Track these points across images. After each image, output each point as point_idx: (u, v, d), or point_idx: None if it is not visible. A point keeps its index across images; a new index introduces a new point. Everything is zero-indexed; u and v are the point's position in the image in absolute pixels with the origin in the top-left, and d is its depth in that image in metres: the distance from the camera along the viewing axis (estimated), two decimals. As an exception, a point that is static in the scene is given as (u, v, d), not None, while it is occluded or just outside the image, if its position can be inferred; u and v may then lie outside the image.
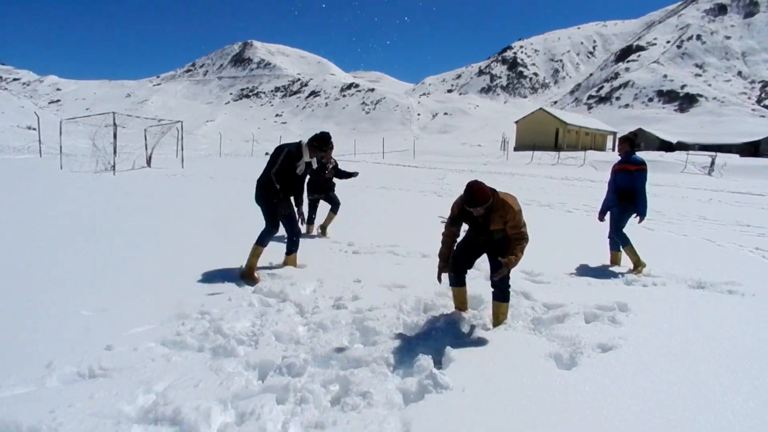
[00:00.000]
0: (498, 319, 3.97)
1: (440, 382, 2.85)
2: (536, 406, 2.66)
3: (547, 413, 2.59)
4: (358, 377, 2.94)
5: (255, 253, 5.15)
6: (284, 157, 5.07)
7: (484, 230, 3.82)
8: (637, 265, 5.85)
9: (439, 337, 3.67)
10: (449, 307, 4.30)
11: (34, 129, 30.73)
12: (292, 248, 5.56)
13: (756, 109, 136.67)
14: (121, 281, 4.80)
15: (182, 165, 21.98)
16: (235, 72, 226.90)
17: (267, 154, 46.28)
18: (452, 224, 4.05)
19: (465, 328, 3.87)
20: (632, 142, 6.17)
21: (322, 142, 5.16)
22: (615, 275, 5.67)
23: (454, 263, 4.05)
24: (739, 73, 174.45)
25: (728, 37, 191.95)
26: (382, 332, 3.70)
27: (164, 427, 2.43)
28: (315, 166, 5.30)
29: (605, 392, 2.84)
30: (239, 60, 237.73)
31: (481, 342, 3.59)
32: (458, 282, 4.13)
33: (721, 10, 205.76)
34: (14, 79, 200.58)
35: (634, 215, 6.02)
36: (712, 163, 30.64)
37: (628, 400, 2.76)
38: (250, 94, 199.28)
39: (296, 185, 5.28)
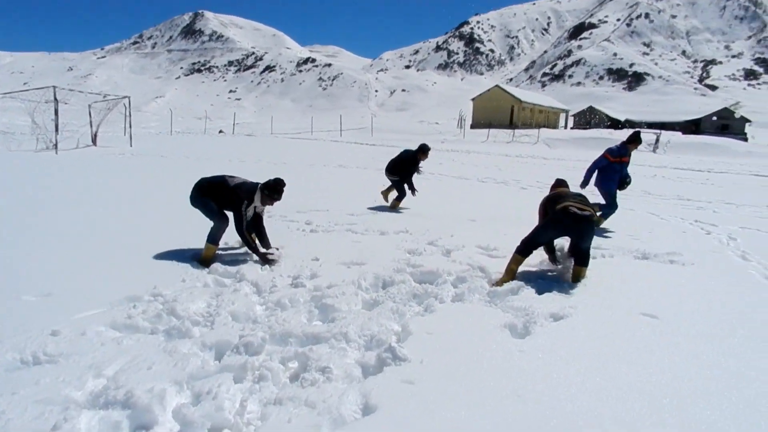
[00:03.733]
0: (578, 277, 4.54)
1: (399, 354, 2.89)
2: (492, 374, 2.75)
3: (503, 380, 2.68)
4: (317, 353, 2.94)
5: (209, 251, 4.95)
6: (245, 208, 4.91)
7: None
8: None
9: (398, 311, 3.71)
10: (408, 282, 4.35)
11: (-35, 105, 28.60)
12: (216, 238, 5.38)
13: (698, 87, 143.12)
14: (66, 265, 4.59)
15: (131, 143, 21.06)
16: (185, 44, 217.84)
17: (221, 132, 44.94)
18: None
19: (423, 303, 3.93)
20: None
21: (273, 191, 4.97)
22: (564, 249, 5.86)
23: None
24: (683, 53, 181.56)
25: (674, 16, 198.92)
26: (341, 309, 3.71)
27: (116, 411, 2.36)
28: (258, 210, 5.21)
29: (557, 358, 2.96)
30: (190, 32, 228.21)
31: (438, 316, 3.65)
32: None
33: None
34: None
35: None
36: (657, 140, 31.98)
37: (577, 364, 2.88)
38: (202, 68, 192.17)
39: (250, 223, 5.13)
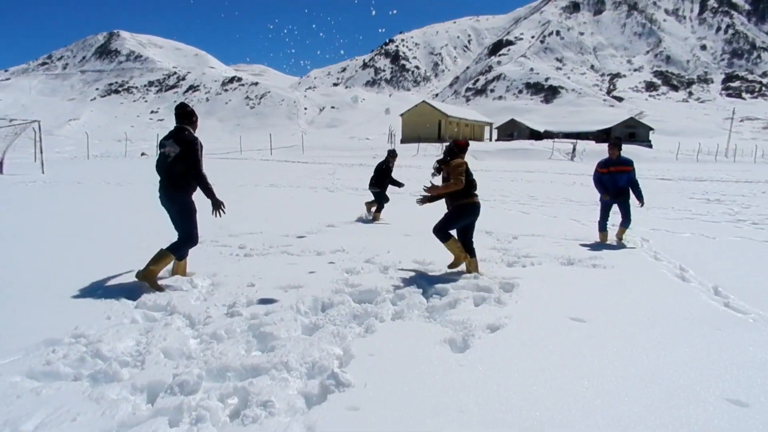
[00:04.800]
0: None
1: (342, 380, 2.86)
2: (434, 391, 2.79)
3: (445, 397, 2.73)
4: (258, 386, 2.85)
5: (163, 261, 4.69)
6: (201, 149, 4.84)
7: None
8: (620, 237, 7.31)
9: (339, 334, 3.69)
10: (347, 303, 4.34)
11: None
12: (181, 254, 5.21)
13: (606, 99, 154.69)
14: (-29, 310, 4.16)
15: (42, 170, 19.63)
16: (100, 65, 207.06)
17: (144, 155, 42.85)
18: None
19: (363, 324, 3.92)
20: (620, 145, 7.40)
21: (187, 116, 4.96)
22: (497, 259, 6.10)
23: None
24: (592, 67, 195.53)
25: (582, 33, 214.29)
26: (281, 336, 3.63)
27: (37, 471, 2.17)
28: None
29: (495, 369, 3.05)
30: (105, 52, 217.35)
31: (380, 335, 3.66)
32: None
33: (575, 7, 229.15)
34: None
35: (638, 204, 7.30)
36: (574, 149, 34.17)
37: (514, 374, 2.99)
38: (120, 89, 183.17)
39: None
